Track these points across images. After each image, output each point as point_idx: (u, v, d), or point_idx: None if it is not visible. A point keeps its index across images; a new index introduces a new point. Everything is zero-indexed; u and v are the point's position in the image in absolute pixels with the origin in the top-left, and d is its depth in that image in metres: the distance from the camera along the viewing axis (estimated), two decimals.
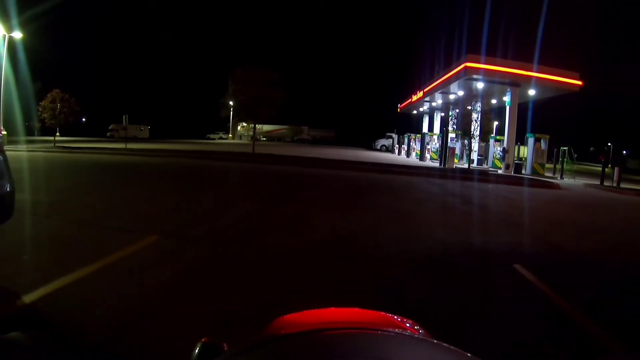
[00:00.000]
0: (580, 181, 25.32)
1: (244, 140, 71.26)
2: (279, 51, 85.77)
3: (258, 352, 0.86)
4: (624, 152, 74.60)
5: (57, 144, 29.87)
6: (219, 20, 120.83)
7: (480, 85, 28.91)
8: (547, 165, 29.25)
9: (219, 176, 17.43)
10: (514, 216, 11.31)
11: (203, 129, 79.46)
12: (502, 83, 28.42)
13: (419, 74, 43.48)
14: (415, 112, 51.07)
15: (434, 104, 42.43)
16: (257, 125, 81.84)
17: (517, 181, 20.85)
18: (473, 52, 28.53)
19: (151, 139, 66.53)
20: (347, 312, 1.42)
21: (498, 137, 31.96)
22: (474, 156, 33.53)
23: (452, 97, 35.99)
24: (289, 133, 79.62)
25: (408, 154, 41.34)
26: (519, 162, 28.84)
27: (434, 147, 36.42)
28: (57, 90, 30.19)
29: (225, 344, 1.18)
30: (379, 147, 59.26)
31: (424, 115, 49.80)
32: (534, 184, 20.51)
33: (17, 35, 30.96)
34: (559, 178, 26.25)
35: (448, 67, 33.08)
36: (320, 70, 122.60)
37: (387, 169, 22.72)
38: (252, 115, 28.41)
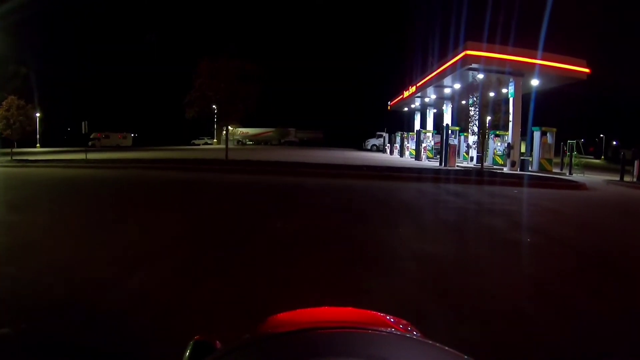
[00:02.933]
0: (592, 177, 22.31)
1: (230, 145, 67.86)
2: (263, 50, 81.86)
3: (251, 350, 0.84)
4: (614, 142, 72.55)
5: (14, 157, 26.00)
6: (204, 19, 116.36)
7: (480, 76, 25.48)
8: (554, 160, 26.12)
9: (165, 195, 13.11)
10: (600, 248, 7.27)
11: (191, 135, 76.70)
12: (505, 73, 24.89)
13: (410, 68, 40.16)
14: (406, 109, 47.58)
15: (426, 99, 39.03)
16: (242, 129, 79.32)
17: (536, 182, 17.31)
18: (472, 40, 25.21)
19: (134, 147, 63.54)
20: (341, 311, 1.34)
21: (498, 132, 28.84)
22: (473, 153, 30.28)
23: (447, 91, 32.60)
24: (275, 136, 76.75)
25: (401, 154, 37.89)
26: (522, 158, 25.68)
27: (429, 145, 33.19)
28: (13, 97, 26.33)
29: (217, 342, 1.12)
30: (369, 147, 56.26)
31: (416, 112, 46.45)
32: (557, 184, 16.98)
33: None
34: (567, 174, 23.16)
35: (443, 58, 29.73)
36: (305, 70, 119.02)
37: (387, 174, 18.73)
38: (223, 115, 24.28)
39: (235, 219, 9.22)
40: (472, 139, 30.16)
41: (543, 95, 31.66)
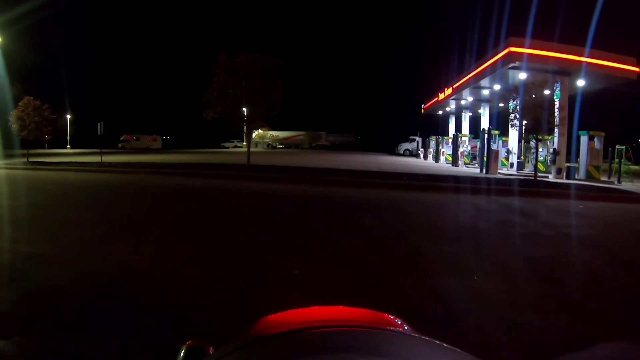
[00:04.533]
0: None
1: (259, 148, 67.28)
2: (288, 49, 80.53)
3: (243, 353, 0.81)
4: None
5: (30, 159, 25.88)
6: (227, 12, 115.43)
7: (522, 75, 23.39)
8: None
9: (154, 210, 10.58)
10: None
11: (222, 138, 76.60)
12: (550, 72, 22.72)
13: (446, 69, 38.25)
14: (440, 112, 45.52)
15: (462, 102, 36.90)
16: (272, 132, 78.17)
17: (597, 194, 14.93)
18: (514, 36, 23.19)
19: (163, 149, 63.70)
20: (333, 310, 1.31)
21: (541, 137, 26.51)
22: (514, 159, 28.14)
23: (485, 92, 30.61)
24: (306, 139, 75.55)
25: (437, 159, 35.95)
26: (568, 165, 23.47)
27: (466, 151, 31.15)
28: (30, 98, 25.59)
29: (210, 347, 1.10)
30: (402, 152, 54.61)
31: (450, 115, 44.46)
32: (620, 197, 14.79)
33: None
34: (616, 182, 20.87)
35: (482, 58, 27.77)
36: (336, 72, 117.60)
37: (430, 184, 16.25)
38: (247, 115, 21.47)
39: (233, 255, 6.48)
40: (512, 143, 28.13)
41: (586, 97, 29.38)
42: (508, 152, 28.92)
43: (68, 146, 68.28)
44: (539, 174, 24.04)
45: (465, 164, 29.73)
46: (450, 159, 33.51)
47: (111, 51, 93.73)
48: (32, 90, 27.41)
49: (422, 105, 49.05)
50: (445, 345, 0.81)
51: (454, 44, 40.89)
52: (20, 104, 25.27)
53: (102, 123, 24.21)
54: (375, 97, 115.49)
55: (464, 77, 31.06)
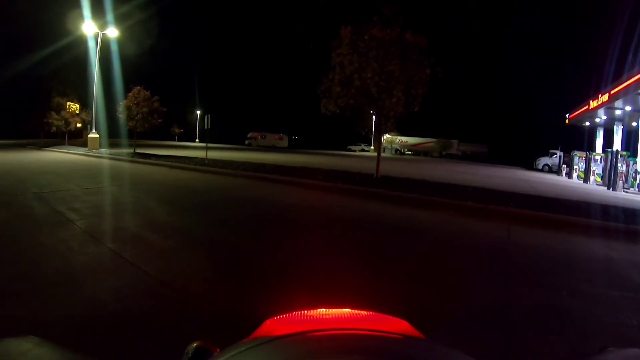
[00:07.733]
0: None
1: (386, 154, 64.06)
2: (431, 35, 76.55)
3: (249, 354, 0.82)
4: None
5: (136, 151, 26.77)
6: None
7: None
8: None
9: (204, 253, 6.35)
10: None
11: (350, 139, 76.20)
12: None
13: (599, 73, 31.99)
14: (588, 123, 38.75)
15: (617, 112, 30.45)
16: (400, 137, 74.28)
17: None
18: None
19: (288, 148, 65.13)
20: (339, 312, 1.24)
21: None
22: None
23: None
24: (436, 147, 71.06)
25: (586, 179, 30.10)
26: None
27: (624, 171, 25.19)
28: (140, 87, 25.13)
29: (217, 348, 1.08)
30: (540, 167, 48.70)
31: (598, 128, 37.81)
32: None
33: (113, 32, 30.45)
34: None
35: None
36: (469, 75, 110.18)
37: (632, 228, 9.83)
38: (377, 112, 16.15)
39: None
40: None
41: None
42: None
43: (197, 140, 72.71)
44: None
45: (623, 188, 23.97)
46: (599, 179, 28.05)
47: (246, 48, 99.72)
48: (165, 88, 28.38)
49: (567, 115, 42.29)
50: (452, 349, 0.79)
51: (610, 44, 34.50)
52: (130, 94, 24.99)
53: (209, 116, 22.78)
54: (509, 104, 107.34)
55: (624, 81, 25.29)
